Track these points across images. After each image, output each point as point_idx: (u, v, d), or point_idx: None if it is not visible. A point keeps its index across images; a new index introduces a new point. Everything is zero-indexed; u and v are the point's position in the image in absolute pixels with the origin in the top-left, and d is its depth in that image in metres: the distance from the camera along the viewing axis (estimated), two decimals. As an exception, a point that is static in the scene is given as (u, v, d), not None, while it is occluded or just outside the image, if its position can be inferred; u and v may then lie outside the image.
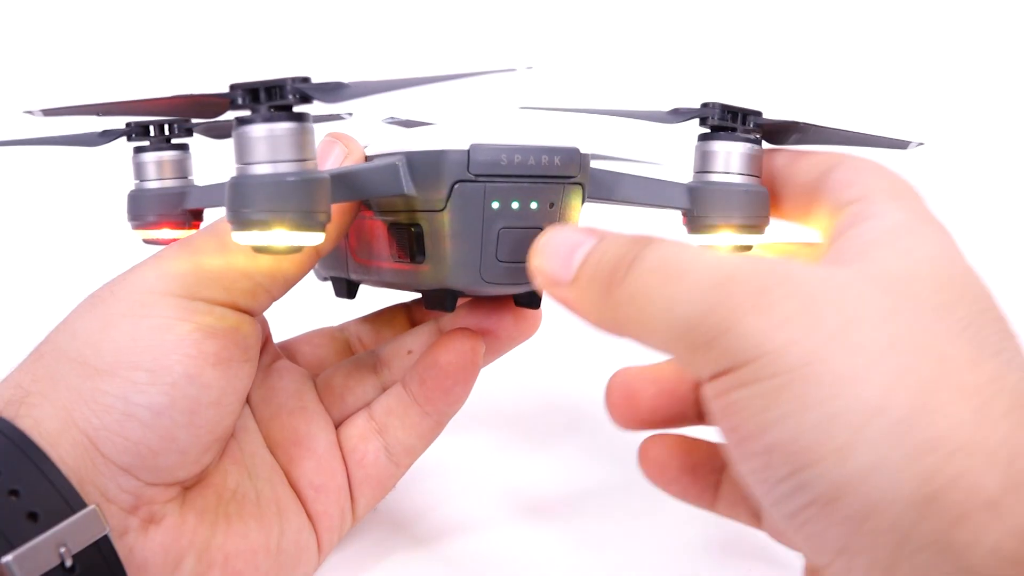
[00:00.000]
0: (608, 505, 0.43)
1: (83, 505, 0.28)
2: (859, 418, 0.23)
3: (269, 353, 0.39)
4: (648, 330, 0.27)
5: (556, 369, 0.49)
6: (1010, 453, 0.22)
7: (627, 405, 0.35)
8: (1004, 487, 0.22)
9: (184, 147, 0.40)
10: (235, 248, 0.31)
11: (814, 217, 0.34)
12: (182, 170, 0.40)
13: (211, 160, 0.42)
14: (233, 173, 0.27)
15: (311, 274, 0.40)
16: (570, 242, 0.29)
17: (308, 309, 0.46)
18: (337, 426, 0.39)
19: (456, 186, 0.31)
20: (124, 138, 0.40)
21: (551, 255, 0.29)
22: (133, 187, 0.40)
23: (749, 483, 0.26)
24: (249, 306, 0.32)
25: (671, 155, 0.43)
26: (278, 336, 0.42)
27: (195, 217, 0.40)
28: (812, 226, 0.34)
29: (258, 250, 0.27)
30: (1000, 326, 0.25)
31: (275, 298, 0.33)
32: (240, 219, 0.26)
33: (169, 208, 0.39)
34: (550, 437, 0.51)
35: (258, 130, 0.26)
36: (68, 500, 0.28)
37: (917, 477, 0.22)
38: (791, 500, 0.24)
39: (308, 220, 0.26)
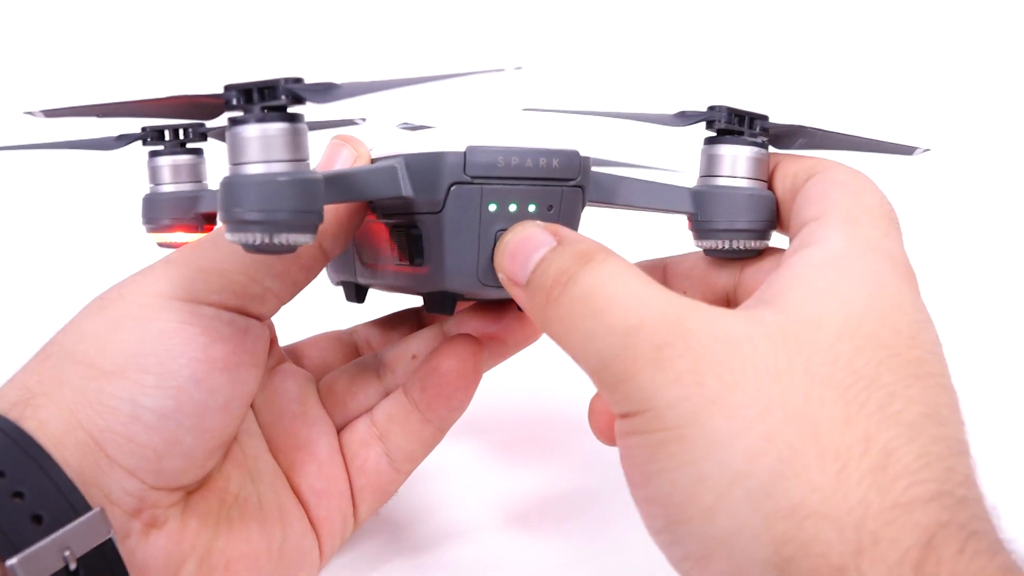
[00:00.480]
0: (608, 511, 0.43)
1: (87, 508, 0.28)
2: (724, 482, 0.24)
3: (273, 356, 0.39)
4: (572, 354, 0.29)
5: (557, 373, 0.49)
6: (861, 516, 0.23)
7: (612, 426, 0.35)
8: (851, 551, 0.23)
9: (198, 151, 0.41)
10: (244, 252, 0.31)
11: (788, 229, 0.34)
12: (196, 174, 0.41)
13: (226, 165, 0.42)
14: (226, 173, 0.27)
15: (324, 278, 0.40)
16: (530, 243, 0.30)
17: (319, 313, 0.46)
18: (339, 430, 0.38)
19: (453, 188, 0.31)
20: (139, 142, 0.41)
21: (511, 254, 0.31)
22: (148, 191, 0.41)
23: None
24: (258, 311, 0.32)
25: (675, 157, 0.43)
26: (288, 338, 0.42)
27: (208, 221, 0.40)
28: (787, 235, 0.34)
29: (250, 250, 0.27)
30: (905, 372, 0.25)
31: (283, 302, 0.33)
32: (232, 219, 0.26)
33: (183, 212, 0.40)
34: (551, 442, 0.50)
35: (251, 130, 0.26)
36: (72, 503, 0.28)
37: (773, 542, 0.23)
38: (670, 550, 0.26)
39: (300, 220, 0.26)
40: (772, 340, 0.26)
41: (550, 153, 0.32)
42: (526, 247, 0.30)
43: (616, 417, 0.27)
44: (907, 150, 0.36)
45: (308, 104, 0.27)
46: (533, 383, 0.55)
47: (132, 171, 0.43)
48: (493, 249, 0.32)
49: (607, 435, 0.35)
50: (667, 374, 0.25)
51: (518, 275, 0.30)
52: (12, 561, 0.26)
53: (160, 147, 0.40)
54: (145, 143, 0.40)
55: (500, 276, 0.32)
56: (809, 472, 0.23)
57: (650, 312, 0.27)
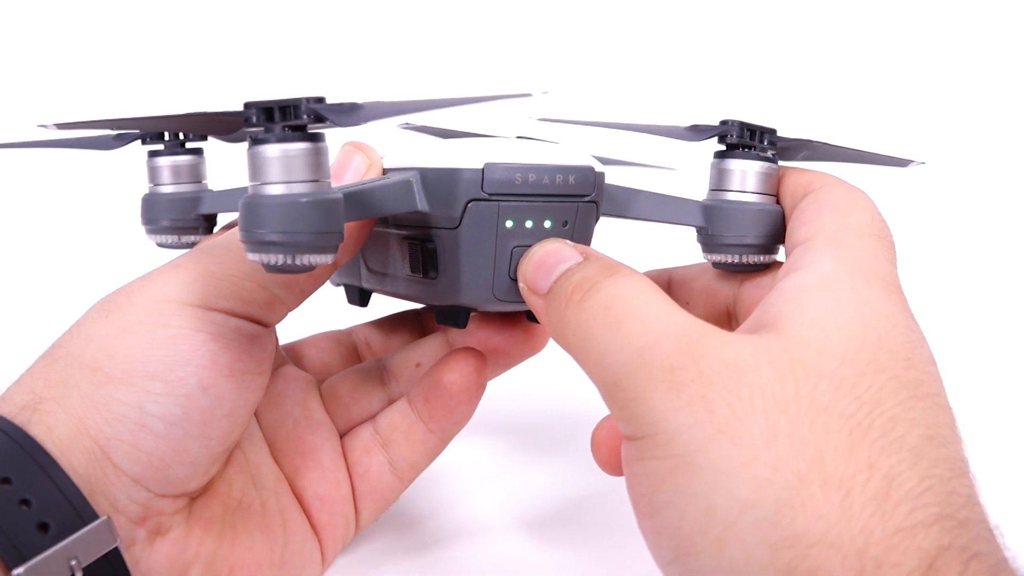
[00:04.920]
0: (609, 514, 0.43)
1: (94, 516, 0.28)
2: (732, 513, 0.24)
3: (275, 358, 0.38)
4: (584, 364, 0.29)
5: (559, 377, 0.49)
6: (864, 543, 0.23)
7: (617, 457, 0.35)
8: None
9: (198, 151, 0.40)
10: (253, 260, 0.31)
11: (786, 245, 0.34)
12: (196, 175, 0.40)
13: (225, 164, 0.41)
14: (247, 191, 0.27)
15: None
16: (556, 257, 0.31)
17: (316, 311, 0.46)
18: (342, 435, 0.38)
19: (470, 204, 0.31)
20: (138, 142, 0.40)
21: (536, 265, 0.31)
22: (147, 191, 0.40)
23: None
24: (265, 318, 0.32)
25: (681, 161, 0.43)
26: (284, 337, 0.41)
27: (209, 222, 0.40)
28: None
29: (271, 270, 0.27)
30: (905, 394, 0.26)
31: (291, 309, 0.33)
32: (253, 239, 0.26)
33: (183, 213, 0.39)
34: (552, 445, 0.51)
35: (272, 150, 0.26)
36: (79, 511, 0.28)
37: (778, 572, 0.23)
38: None
39: (321, 241, 0.26)
40: (779, 368, 0.26)
41: (566, 170, 0.32)
42: (552, 259, 0.31)
43: (623, 440, 0.28)
44: (902, 163, 0.36)
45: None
46: (541, 384, 0.55)
47: (133, 170, 0.43)
48: (509, 265, 0.32)
49: (612, 465, 0.35)
50: (679, 398, 0.25)
51: (540, 284, 0.31)
52: (19, 571, 0.26)
53: (160, 147, 0.40)
54: (144, 143, 0.40)
55: (520, 285, 0.32)
56: (815, 501, 0.24)
57: (667, 332, 0.27)
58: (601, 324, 0.28)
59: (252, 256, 0.26)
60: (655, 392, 0.26)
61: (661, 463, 0.25)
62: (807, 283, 0.29)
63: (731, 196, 0.35)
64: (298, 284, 0.32)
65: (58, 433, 0.29)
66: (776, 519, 0.24)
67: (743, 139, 0.35)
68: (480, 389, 0.37)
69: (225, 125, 0.28)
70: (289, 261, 0.26)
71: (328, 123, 0.26)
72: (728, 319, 0.37)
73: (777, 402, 0.25)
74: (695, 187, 0.38)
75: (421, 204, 0.31)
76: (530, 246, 0.32)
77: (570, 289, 0.29)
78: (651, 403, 0.26)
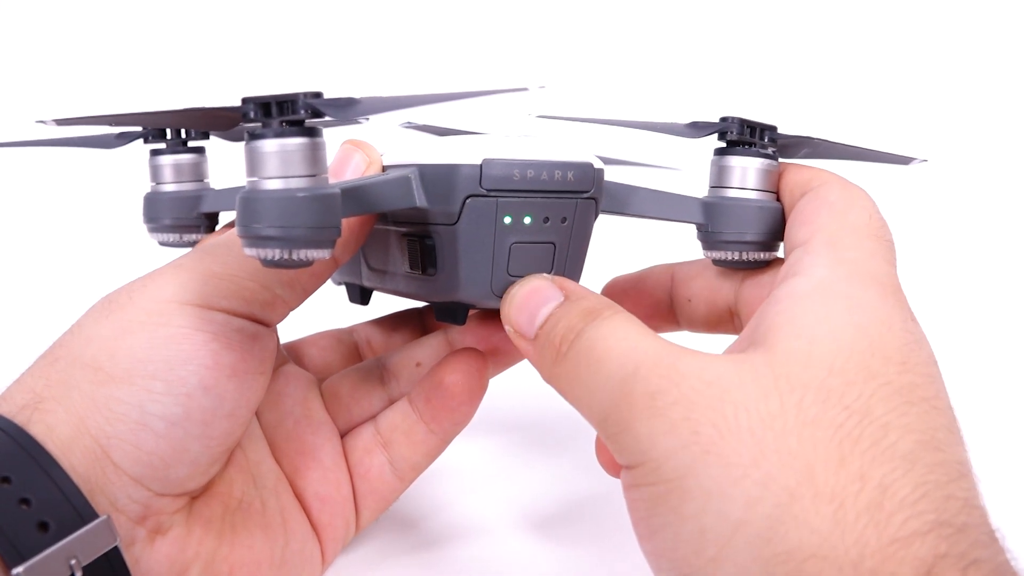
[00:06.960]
0: (609, 514, 0.43)
1: (94, 515, 0.28)
2: (725, 533, 0.24)
3: (276, 357, 0.38)
4: (578, 407, 0.29)
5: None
6: (859, 554, 0.23)
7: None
8: None
9: (200, 150, 0.40)
10: (254, 259, 0.31)
11: (784, 247, 0.34)
12: (198, 173, 0.40)
13: (227, 163, 0.41)
14: (244, 186, 0.27)
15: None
16: (538, 297, 0.31)
17: (316, 309, 0.46)
18: (342, 435, 0.38)
19: (468, 201, 0.31)
20: (140, 140, 0.40)
21: (519, 308, 0.31)
22: (149, 189, 0.40)
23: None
24: (267, 317, 0.32)
25: (681, 158, 0.43)
26: (285, 336, 0.41)
27: (210, 221, 0.40)
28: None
29: (268, 264, 0.26)
30: (898, 400, 0.25)
31: (292, 308, 0.33)
32: (250, 234, 0.26)
33: (185, 212, 0.40)
34: (552, 445, 0.51)
35: (269, 145, 0.26)
36: (79, 510, 0.28)
37: None
38: None
39: (319, 236, 0.26)
40: (763, 383, 0.26)
41: (565, 166, 0.32)
42: (533, 301, 0.31)
43: (622, 469, 0.28)
44: (904, 160, 0.36)
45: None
46: (541, 384, 0.55)
47: (135, 168, 0.43)
48: (507, 261, 0.32)
49: (616, 468, 0.35)
50: (662, 423, 0.25)
51: (525, 328, 0.31)
52: (18, 570, 0.26)
53: (162, 145, 0.40)
54: (146, 141, 0.40)
55: (507, 328, 0.32)
56: (806, 515, 0.23)
57: (645, 358, 0.27)
58: (585, 367, 0.28)
59: (249, 251, 0.26)
60: (638, 420, 0.26)
61: (654, 489, 0.26)
62: (800, 290, 0.29)
63: (731, 193, 0.35)
64: (299, 282, 0.32)
65: (58, 432, 0.29)
66: (768, 536, 0.23)
67: (743, 136, 0.35)
68: (481, 389, 0.37)
69: (223, 120, 0.28)
70: (286, 256, 0.26)
71: (326, 118, 0.26)
72: (730, 317, 0.37)
73: (762, 418, 0.25)
74: (696, 186, 0.37)
75: (420, 200, 0.31)
76: (529, 242, 0.32)
77: (557, 341, 0.30)
78: (636, 432, 0.26)
